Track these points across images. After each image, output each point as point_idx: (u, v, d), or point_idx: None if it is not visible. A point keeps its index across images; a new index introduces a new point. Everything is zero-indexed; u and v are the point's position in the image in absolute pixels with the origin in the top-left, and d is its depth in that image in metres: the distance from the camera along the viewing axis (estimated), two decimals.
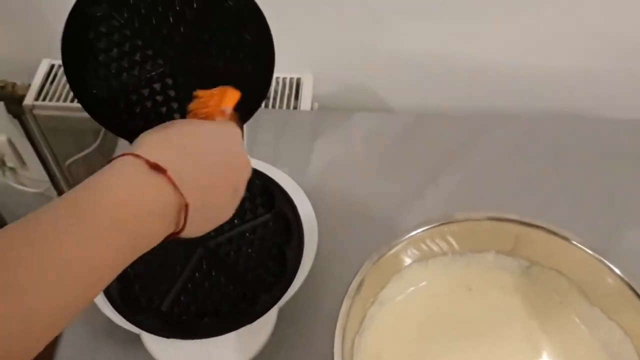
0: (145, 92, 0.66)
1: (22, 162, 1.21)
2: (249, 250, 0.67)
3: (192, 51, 0.65)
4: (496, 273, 0.64)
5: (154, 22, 0.63)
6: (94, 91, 0.64)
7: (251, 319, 0.60)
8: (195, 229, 0.46)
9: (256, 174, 0.72)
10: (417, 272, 0.62)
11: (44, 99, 0.98)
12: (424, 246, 0.62)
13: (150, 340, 0.59)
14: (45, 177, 1.22)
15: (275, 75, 1.03)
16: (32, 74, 1.01)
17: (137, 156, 0.42)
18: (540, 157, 0.86)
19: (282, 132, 0.85)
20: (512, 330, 0.62)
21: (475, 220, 0.61)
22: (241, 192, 0.52)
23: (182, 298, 0.63)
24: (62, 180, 1.19)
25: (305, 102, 1.02)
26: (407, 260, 0.62)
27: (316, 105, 1.03)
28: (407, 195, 0.80)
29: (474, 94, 1.01)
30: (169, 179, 0.42)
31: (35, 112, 0.98)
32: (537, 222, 0.60)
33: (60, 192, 1.24)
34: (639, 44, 0.93)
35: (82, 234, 0.37)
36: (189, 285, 0.64)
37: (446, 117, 0.94)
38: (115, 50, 0.63)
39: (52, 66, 1.01)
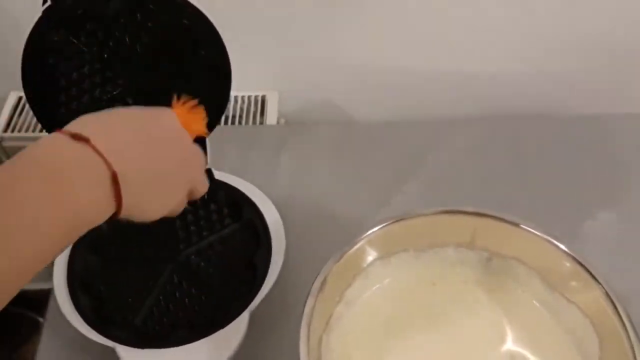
0: None
1: None
2: (219, 260, 0.68)
3: (150, 70, 0.67)
4: (458, 266, 0.66)
5: (111, 44, 0.65)
6: (56, 115, 0.66)
7: (223, 324, 0.61)
8: (143, 204, 0.47)
9: (222, 186, 0.74)
10: (380, 269, 0.64)
11: (12, 131, 0.99)
12: (385, 244, 0.63)
13: (125, 353, 0.60)
14: None
15: (240, 93, 1.07)
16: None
17: (61, 131, 0.43)
18: (500, 157, 0.89)
19: (248, 146, 0.87)
20: (477, 321, 0.64)
21: (431, 215, 0.63)
22: (193, 167, 0.53)
23: (155, 311, 0.64)
24: None
25: (271, 119, 1.04)
26: (370, 258, 0.63)
27: (282, 121, 1.05)
28: (373, 201, 0.83)
29: (432, 101, 1.04)
30: (92, 146, 0.42)
31: (5, 144, 0.99)
32: (490, 212, 0.63)
33: None
34: (586, 44, 0.97)
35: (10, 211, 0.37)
36: (162, 299, 0.65)
37: (408, 124, 0.96)
38: (74, 73, 0.65)
39: (20, 98, 1.03)
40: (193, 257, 0.68)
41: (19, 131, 0.99)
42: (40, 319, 1.58)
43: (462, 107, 1.03)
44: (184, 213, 0.72)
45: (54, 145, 0.43)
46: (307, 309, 0.56)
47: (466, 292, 0.66)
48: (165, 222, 0.71)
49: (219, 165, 0.77)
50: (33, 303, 1.54)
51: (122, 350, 0.61)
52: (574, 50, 0.96)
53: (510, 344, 0.62)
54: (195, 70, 0.68)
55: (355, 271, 0.63)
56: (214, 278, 0.67)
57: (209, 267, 0.68)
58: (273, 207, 0.72)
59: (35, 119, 1.01)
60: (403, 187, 0.84)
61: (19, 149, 1.01)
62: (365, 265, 0.63)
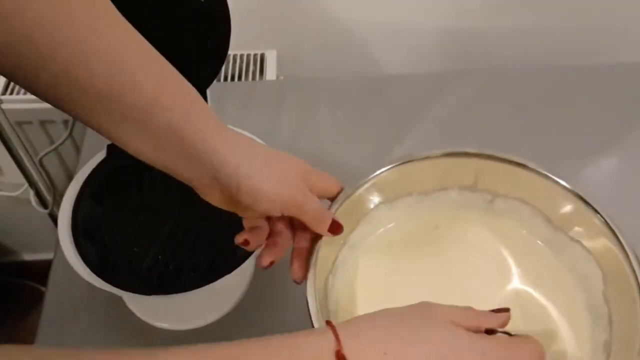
0: None
1: None
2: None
3: (149, 21, 0.67)
4: (462, 209, 0.66)
5: None
6: None
7: (228, 270, 0.61)
8: None
9: None
10: (384, 213, 0.64)
11: (11, 93, 0.99)
12: (388, 187, 0.63)
13: (132, 300, 0.61)
14: (20, 180, 1.22)
15: (239, 52, 1.06)
16: None
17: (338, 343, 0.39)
18: (502, 106, 0.89)
19: (249, 100, 0.87)
20: (481, 262, 0.64)
21: (434, 158, 0.63)
22: None
23: (160, 258, 0.65)
24: (38, 178, 1.19)
25: (271, 78, 1.04)
26: (374, 203, 0.63)
27: (281, 78, 1.05)
28: (374, 151, 0.83)
29: (432, 55, 1.04)
30: None
31: (4, 106, 0.98)
32: (493, 153, 0.62)
33: (36, 192, 1.25)
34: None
35: None
36: (166, 247, 0.66)
37: (407, 78, 0.96)
38: None
39: None
40: (198, 206, 0.68)
41: (17, 94, 0.99)
42: (44, 289, 1.59)
43: (462, 61, 1.02)
44: None
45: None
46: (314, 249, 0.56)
47: (470, 234, 0.66)
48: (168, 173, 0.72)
49: (221, 118, 0.77)
50: (36, 274, 1.55)
51: (128, 297, 0.61)
52: (571, 3, 0.96)
53: (515, 283, 0.62)
54: (196, 17, 0.67)
55: (359, 215, 0.63)
56: (219, 225, 0.67)
57: (214, 215, 0.68)
58: None
59: None
60: (404, 138, 0.85)
61: (18, 111, 1.01)
62: (369, 209, 0.63)
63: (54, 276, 0.70)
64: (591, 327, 0.59)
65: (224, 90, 0.83)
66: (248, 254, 0.63)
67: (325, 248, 0.58)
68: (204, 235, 0.66)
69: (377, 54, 1.08)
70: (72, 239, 0.65)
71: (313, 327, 0.50)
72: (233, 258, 0.63)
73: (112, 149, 0.72)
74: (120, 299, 0.62)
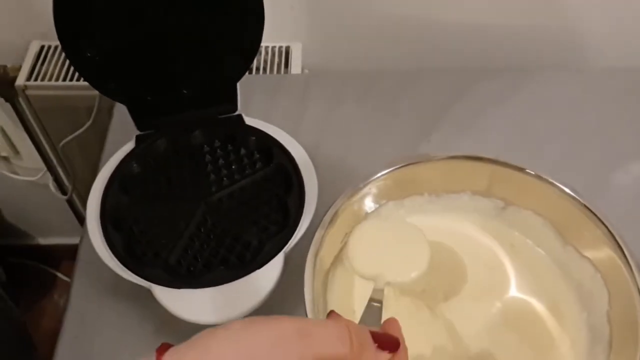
0: (140, 52, 0.67)
1: (16, 151, 1.21)
2: (251, 202, 0.68)
3: (183, 9, 0.66)
4: (471, 213, 0.65)
5: None
6: (89, 54, 0.65)
7: (258, 266, 0.61)
8: None
9: (251, 131, 0.73)
10: (393, 211, 0.63)
11: (35, 79, 0.98)
12: (399, 185, 0.62)
13: (161, 292, 0.60)
14: (39, 165, 1.22)
15: (263, 44, 1.05)
16: (22, 57, 1.02)
17: None
18: (526, 108, 0.88)
19: (274, 94, 0.87)
20: (483, 268, 0.63)
21: (447, 159, 0.62)
22: None
23: (188, 252, 0.64)
24: (58, 164, 1.19)
25: (296, 70, 1.03)
26: (383, 199, 0.63)
27: (306, 72, 1.04)
28: (400, 147, 0.82)
29: (458, 52, 1.03)
30: None
31: (28, 92, 0.98)
32: (508, 161, 0.61)
33: (55, 178, 1.25)
34: None
35: None
36: (195, 240, 0.65)
37: (435, 74, 0.95)
38: (108, 10, 0.64)
39: (42, 47, 1.02)
40: (225, 200, 0.68)
41: (42, 80, 0.98)
42: (58, 274, 1.59)
43: (486, 59, 1.01)
44: (215, 157, 0.72)
45: None
46: (315, 239, 0.56)
47: (478, 241, 0.64)
48: (196, 166, 0.71)
49: (247, 111, 0.77)
50: (50, 258, 1.55)
51: (157, 289, 0.60)
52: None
53: (513, 292, 0.61)
54: (228, 8, 0.67)
55: (367, 209, 0.62)
56: (246, 220, 0.66)
57: (242, 210, 0.67)
58: (302, 150, 0.71)
59: (58, 67, 1.00)
60: (431, 134, 0.84)
61: (42, 97, 1.01)
62: (378, 205, 0.63)
63: (80, 266, 0.69)
64: (590, 346, 0.57)
65: (250, 83, 0.81)
66: (277, 249, 0.62)
67: (330, 238, 0.57)
68: (232, 228, 0.66)
69: (405, 48, 1.06)
70: (100, 229, 0.65)
71: None
72: (262, 252, 0.63)
73: (141, 140, 0.72)
74: (147, 290, 0.61)
